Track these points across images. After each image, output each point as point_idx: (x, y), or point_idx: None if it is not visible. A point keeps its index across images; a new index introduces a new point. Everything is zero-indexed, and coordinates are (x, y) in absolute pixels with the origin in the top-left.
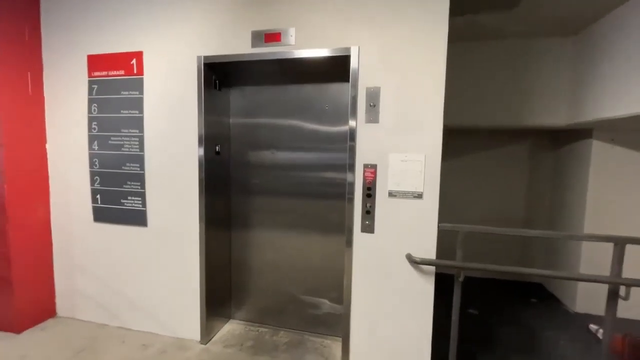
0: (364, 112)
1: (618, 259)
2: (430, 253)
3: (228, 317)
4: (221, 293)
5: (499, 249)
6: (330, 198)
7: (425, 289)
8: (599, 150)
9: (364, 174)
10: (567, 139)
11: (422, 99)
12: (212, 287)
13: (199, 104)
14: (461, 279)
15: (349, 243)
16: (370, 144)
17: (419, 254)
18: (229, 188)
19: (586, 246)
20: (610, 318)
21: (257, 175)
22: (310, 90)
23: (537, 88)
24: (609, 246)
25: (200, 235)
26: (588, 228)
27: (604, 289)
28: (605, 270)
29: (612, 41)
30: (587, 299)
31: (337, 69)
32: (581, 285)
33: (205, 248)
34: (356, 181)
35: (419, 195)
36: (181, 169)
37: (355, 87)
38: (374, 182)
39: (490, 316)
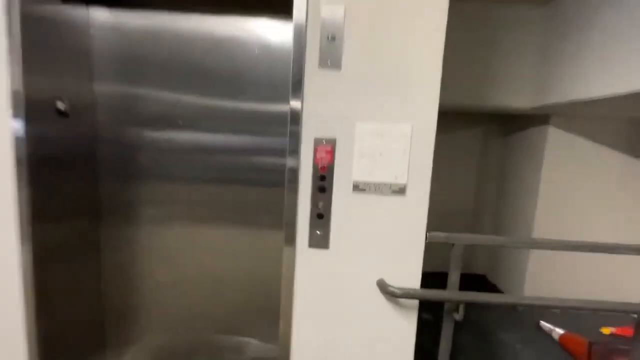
0: (317, 49)
1: None
2: (414, 277)
3: None
4: (82, 334)
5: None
6: (262, 185)
7: (403, 330)
8: (555, 139)
9: (314, 153)
10: (520, 124)
11: (412, 33)
12: (59, 329)
13: (10, 30)
14: (459, 316)
15: (290, 265)
16: (325, 104)
17: (397, 280)
18: (93, 171)
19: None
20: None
21: (144, 155)
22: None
23: (500, 63)
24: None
25: (21, 244)
26: (539, 222)
27: (553, 282)
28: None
29: (592, 12)
30: (533, 292)
31: None
32: (529, 277)
33: (39, 264)
34: (302, 166)
35: (401, 190)
36: None
37: (301, 7)
38: (331, 167)
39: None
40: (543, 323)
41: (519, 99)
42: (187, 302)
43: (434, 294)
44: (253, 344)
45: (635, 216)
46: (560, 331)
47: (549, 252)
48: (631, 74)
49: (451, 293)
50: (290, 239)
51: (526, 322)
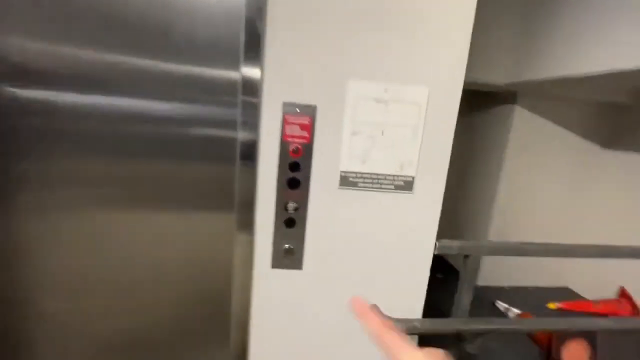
0: None
1: None
2: (417, 301)
3: None
4: None
5: None
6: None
7: None
8: (521, 118)
9: (283, 128)
10: (485, 103)
11: None
12: None
13: None
14: (474, 348)
15: (243, 294)
16: (302, 49)
17: (395, 307)
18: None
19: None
20: None
21: (37, 122)
22: None
23: (476, 36)
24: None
25: None
26: (499, 205)
27: (507, 264)
28: None
29: None
30: (489, 273)
31: None
32: (487, 259)
33: None
34: (262, 147)
35: (407, 185)
36: None
37: None
38: (308, 150)
39: None
40: (499, 302)
41: (493, 75)
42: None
43: (446, 324)
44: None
45: (597, 205)
46: (516, 311)
47: (506, 231)
48: (602, 54)
49: (467, 322)
50: (244, 256)
51: (483, 302)
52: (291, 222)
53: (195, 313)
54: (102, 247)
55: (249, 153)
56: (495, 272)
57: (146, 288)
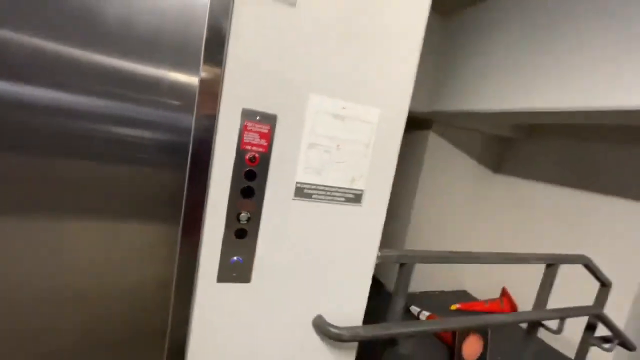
0: None
1: (548, 283)
2: (358, 310)
3: None
4: None
5: None
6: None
7: None
8: (433, 143)
9: (241, 136)
10: (410, 127)
11: None
12: None
13: None
14: (406, 350)
15: (183, 309)
16: (267, 58)
17: (338, 316)
18: None
19: (413, 225)
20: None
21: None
22: None
23: None
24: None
25: None
26: (414, 217)
27: (419, 271)
28: None
29: (483, 32)
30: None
31: None
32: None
33: None
34: (216, 154)
35: (356, 198)
36: None
37: None
38: (265, 159)
39: None
40: (412, 307)
41: (418, 103)
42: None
43: (381, 330)
44: None
45: (488, 218)
46: (426, 313)
47: (419, 239)
48: (484, 96)
49: (400, 326)
50: (186, 269)
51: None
52: (242, 233)
53: (114, 307)
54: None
55: (201, 158)
56: (415, 281)
57: (51, 307)
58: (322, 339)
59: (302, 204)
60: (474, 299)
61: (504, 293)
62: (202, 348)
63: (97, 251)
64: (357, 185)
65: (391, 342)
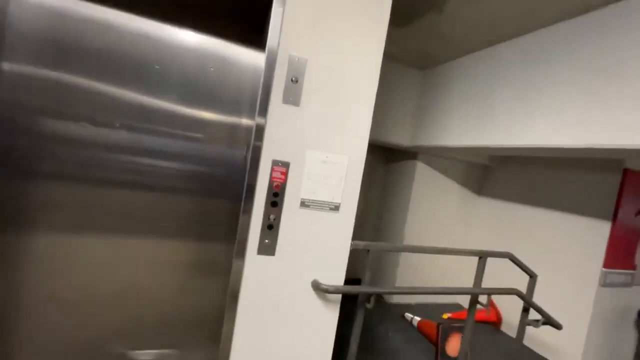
0: (282, 88)
1: (480, 271)
2: (340, 277)
3: None
4: None
5: None
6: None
7: (329, 319)
8: (421, 170)
9: (271, 173)
10: (397, 157)
11: (355, 85)
12: None
13: None
14: (371, 305)
15: (237, 272)
16: (285, 132)
17: (327, 279)
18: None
19: (404, 254)
20: (470, 322)
21: (65, 153)
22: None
23: (391, 108)
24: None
25: None
26: (407, 235)
27: (412, 279)
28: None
29: (450, 84)
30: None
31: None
32: (398, 282)
33: None
34: (258, 183)
35: (336, 207)
36: None
37: (274, 51)
38: (283, 186)
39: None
40: (406, 314)
41: (400, 139)
42: (95, 320)
43: (356, 289)
44: (170, 354)
45: (468, 228)
46: (418, 319)
47: (412, 257)
48: (464, 133)
49: (367, 287)
50: (242, 246)
51: (394, 314)
52: (271, 226)
53: (169, 303)
54: (97, 259)
55: (251, 186)
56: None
57: (126, 290)
58: (317, 294)
59: (305, 211)
60: (465, 310)
61: (491, 304)
62: (249, 293)
63: (166, 259)
64: (336, 200)
65: (368, 299)
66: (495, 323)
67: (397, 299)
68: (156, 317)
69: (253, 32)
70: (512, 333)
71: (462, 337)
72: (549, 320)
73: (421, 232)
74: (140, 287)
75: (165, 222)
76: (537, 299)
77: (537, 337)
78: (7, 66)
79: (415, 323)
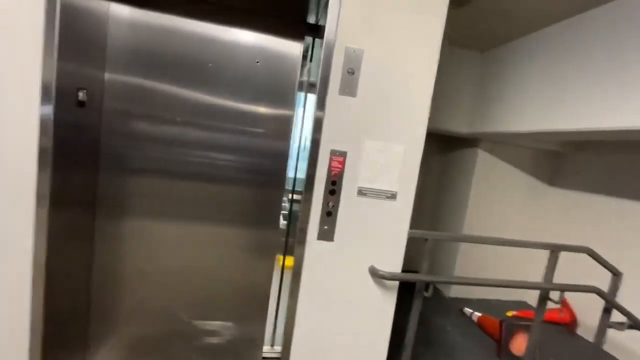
0: (339, 79)
1: (552, 266)
2: (397, 264)
3: None
4: (73, 324)
5: None
6: (254, 186)
7: (386, 306)
8: (482, 159)
9: (329, 163)
10: (455, 145)
11: (412, 73)
12: (56, 320)
13: (48, 18)
14: (428, 293)
15: (299, 256)
16: (341, 123)
17: (384, 266)
18: (95, 162)
19: (463, 246)
20: (538, 320)
21: (147, 150)
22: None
23: (447, 94)
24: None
25: (37, 229)
26: (467, 226)
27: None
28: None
29: (514, 65)
30: (458, 286)
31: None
32: (456, 273)
33: (49, 249)
34: (317, 172)
35: (393, 196)
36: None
37: (330, 44)
38: (341, 175)
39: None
40: (465, 309)
41: (458, 126)
42: (176, 291)
43: (413, 276)
44: (228, 326)
45: (535, 221)
46: (478, 314)
47: (472, 250)
48: (535, 117)
49: (425, 276)
50: (303, 232)
51: (452, 308)
52: (329, 213)
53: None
54: (185, 249)
55: (311, 175)
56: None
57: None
58: (374, 280)
59: (362, 199)
60: (533, 308)
61: (564, 304)
62: (310, 275)
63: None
64: (393, 189)
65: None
66: (568, 324)
67: (455, 293)
68: (218, 292)
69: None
70: (590, 336)
71: (529, 336)
72: (636, 324)
73: (481, 224)
74: (206, 266)
75: (227, 208)
76: (619, 300)
77: (621, 343)
78: (107, 76)
79: (475, 318)
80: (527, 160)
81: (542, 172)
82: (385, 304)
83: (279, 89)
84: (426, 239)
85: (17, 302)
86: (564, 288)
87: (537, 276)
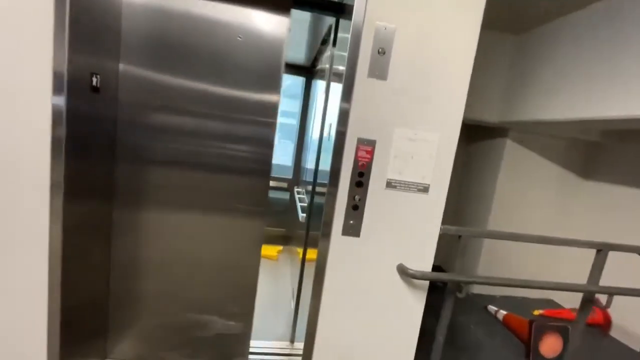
0: (368, 61)
1: (599, 266)
2: (428, 263)
3: (102, 357)
4: (91, 316)
5: None
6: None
7: (415, 307)
8: (511, 150)
9: (356, 152)
10: (482, 134)
11: (449, 52)
12: (74, 310)
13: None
14: (462, 294)
15: (323, 252)
16: (370, 109)
17: (414, 264)
18: (111, 152)
19: (487, 242)
20: (581, 325)
21: (163, 141)
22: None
23: (476, 80)
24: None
25: (52, 220)
26: (492, 221)
27: (498, 268)
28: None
29: (554, 47)
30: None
31: None
32: (480, 271)
33: (65, 239)
34: (344, 163)
35: (425, 189)
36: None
37: (359, 21)
38: (369, 165)
39: None
40: (490, 307)
41: (487, 115)
42: (196, 283)
43: (447, 276)
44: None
45: (567, 216)
46: (503, 312)
47: (497, 246)
48: (582, 103)
49: (460, 276)
50: (327, 227)
51: (475, 306)
52: (356, 207)
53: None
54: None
55: (336, 172)
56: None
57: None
58: (403, 279)
59: (391, 192)
60: (561, 307)
61: (598, 303)
62: (334, 272)
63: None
64: (425, 181)
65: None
66: (602, 325)
67: (478, 289)
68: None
69: None
70: (628, 341)
71: (561, 337)
72: None
73: (508, 219)
74: (218, 258)
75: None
76: None
77: None
78: (122, 67)
79: (500, 316)
80: (559, 151)
81: (575, 164)
82: (414, 305)
83: (261, 70)
84: (459, 236)
85: (35, 293)
86: (612, 291)
87: (565, 274)
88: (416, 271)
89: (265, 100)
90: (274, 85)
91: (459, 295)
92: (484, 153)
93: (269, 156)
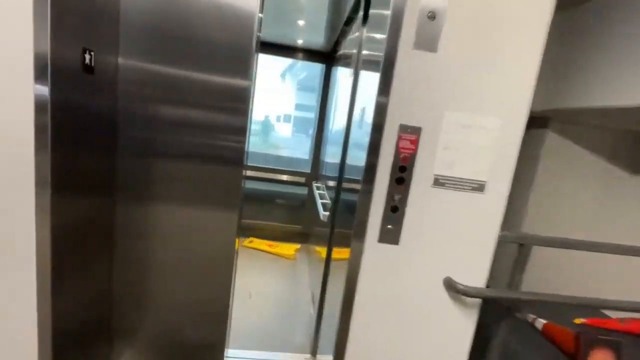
0: (414, 28)
1: None
2: (482, 277)
3: None
4: (91, 324)
5: None
6: None
7: (464, 329)
8: (551, 142)
9: (397, 143)
10: None
11: (516, 18)
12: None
13: None
14: (522, 315)
15: (355, 261)
16: (416, 88)
17: (464, 278)
18: (112, 143)
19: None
20: None
21: (171, 134)
22: None
23: None
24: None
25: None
26: (528, 224)
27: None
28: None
29: (608, 24)
30: (527, 287)
31: None
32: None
33: (56, 241)
34: (381, 155)
35: (480, 187)
36: None
37: None
38: (413, 158)
39: None
40: (528, 315)
41: (532, 103)
42: (177, 279)
43: (509, 293)
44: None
45: (614, 217)
46: (542, 321)
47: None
48: (630, 90)
49: (525, 294)
50: (360, 232)
51: (509, 312)
52: (395, 208)
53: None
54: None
55: (372, 166)
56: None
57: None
58: (451, 295)
59: (438, 191)
60: (605, 316)
61: None
62: (368, 285)
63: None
64: (480, 178)
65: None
66: None
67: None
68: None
69: None
70: None
71: (615, 354)
72: None
73: (546, 220)
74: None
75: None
76: None
77: None
78: (121, 60)
79: (539, 325)
80: (605, 143)
81: (624, 159)
82: (463, 327)
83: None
84: (521, 244)
85: (23, 308)
86: None
87: (611, 281)
88: (467, 287)
89: (233, 85)
90: (243, 68)
91: (518, 315)
92: (522, 145)
93: (242, 143)
